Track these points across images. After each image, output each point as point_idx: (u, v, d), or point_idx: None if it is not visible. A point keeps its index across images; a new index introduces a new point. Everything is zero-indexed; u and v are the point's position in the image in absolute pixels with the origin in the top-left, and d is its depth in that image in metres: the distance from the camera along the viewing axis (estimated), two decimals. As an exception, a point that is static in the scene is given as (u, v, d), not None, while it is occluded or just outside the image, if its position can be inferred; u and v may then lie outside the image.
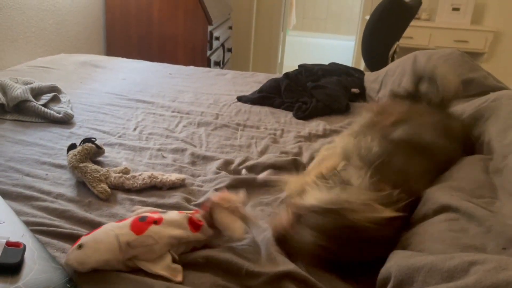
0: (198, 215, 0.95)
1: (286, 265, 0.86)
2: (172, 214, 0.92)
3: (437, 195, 0.97)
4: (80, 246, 0.81)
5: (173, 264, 0.86)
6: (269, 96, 2.03)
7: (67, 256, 0.81)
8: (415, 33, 4.09)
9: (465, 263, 0.67)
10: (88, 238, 0.83)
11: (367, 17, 3.12)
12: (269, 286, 0.83)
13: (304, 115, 1.85)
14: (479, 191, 0.97)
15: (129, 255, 0.83)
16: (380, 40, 2.97)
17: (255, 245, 0.96)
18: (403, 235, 0.95)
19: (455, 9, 4.19)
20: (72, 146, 1.26)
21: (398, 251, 0.87)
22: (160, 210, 0.98)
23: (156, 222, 0.88)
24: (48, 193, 1.10)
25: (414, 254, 0.79)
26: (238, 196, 0.97)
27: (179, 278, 0.83)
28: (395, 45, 2.97)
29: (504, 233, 0.77)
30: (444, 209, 0.91)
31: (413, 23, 3.12)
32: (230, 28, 3.91)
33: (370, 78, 2.19)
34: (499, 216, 0.83)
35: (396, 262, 0.79)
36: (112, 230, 0.84)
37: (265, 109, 1.93)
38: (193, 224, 0.92)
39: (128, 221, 0.87)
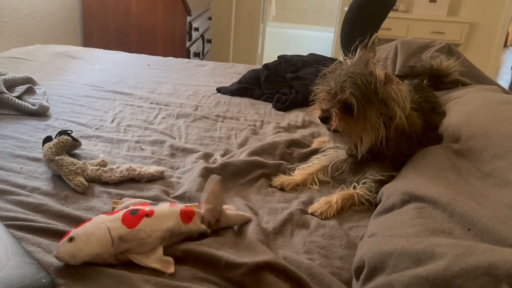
0: (198, 210, 0.95)
1: (265, 254, 0.86)
2: (163, 207, 0.92)
3: (404, 185, 0.99)
4: (71, 239, 0.80)
5: (164, 256, 0.85)
6: (249, 87, 2.02)
7: (57, 249, 0.79)
8: (393, 25, 4.13)
9: (432, 245, 0.69)
10: (79, 230, 0.82)
11: (346, 9, 3.13)
12: (249, 277, 0.83)
13: (284, 106, 1.85)
14: (443, 173, 1.00)
15: (121, 249, 0.83)
16: (358, 31, 2.98)
17: (235, 236, 0.97)
18: (369, 225, 0.98)
19: (432, 1, 4.24)
20: (48, 139, 1.24)
21: (369, 238, 0.89)
22: (150, 201, 0.97)
23: (148, 215, 0.87)
24: (23, 186, 1.08)
25: (386, 239, 0.81)
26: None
27: (171, 270, 0.83)
28: (374, 36, 2.99)
29: (465, 215, 0.80)
30: (411, 199, 0.94)
31: (391, 14, 3.15)
32: (210, 19, 3.88)
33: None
34: (462, 197, 0.85)
35: (369, 250, 0.80)
36: (103, 223, 0.83)
37: (245, 101, 1.93)
38: (185, 216, 0.91)
39: (119, 214, 0.86)
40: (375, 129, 1.14)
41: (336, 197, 1.13)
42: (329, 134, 1.22)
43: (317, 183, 1.25)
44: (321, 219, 1.08)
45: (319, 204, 1.12)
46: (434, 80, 1.59)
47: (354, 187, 1.19)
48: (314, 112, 1.24)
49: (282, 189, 1.21)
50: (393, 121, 1.13)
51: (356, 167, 1.24)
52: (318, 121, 1.21)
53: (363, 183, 1.18)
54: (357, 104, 1.11)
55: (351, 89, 1.12)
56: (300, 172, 1.27)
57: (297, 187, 1.23)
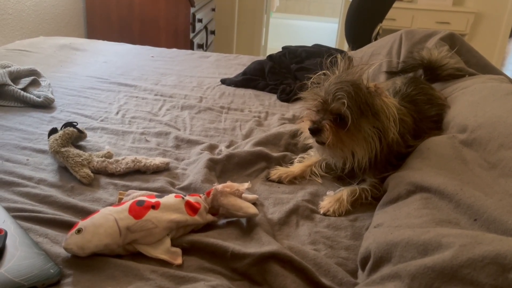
0: (198, 198, 0.96)
1: (271, 245, 0.87)
2: (169, 198, 0.93)
3: (409, 176, 0.99)
4: (79, 231, 0.80)
5: (172, 247, 0.86)
6: (253, 78, 2.01)
7: (66, 241, 0.80)
8: (397, 15, 4.09)
9: (439, 235, 0.69)
10: (86, 222, 0.83)
11: (351, -1, 3.11)
12: (255, 267, 0.84)
13: (288, 97, 1.85)
14: (449, 164, 1.00)
15: (129, 240, 0.84)
16: (363, 21, 2.96)
17: (241, 227, 0.97)
18: (375, 216, 0.98)
19: (438, -9, 4.20)
20: (53, 131, 1.24)
21: (374, 229, 0.89)
22: (155, 193, 0.98)
23: (154, 206, 0.88)
24: (30, 178, 1.09)
25: (392, 229, 0.81)
26: (241, 185, 1.00)
27: (178, 261, 0.84)
28: (378, 27, 2.97)
29: (472, 206, 0.80)
30: (417, 189, 0.93)
31: (395, 4, 3.12)
32: (213, 10, 3.86)
33: (355, 57, 2.18)
34: (468, 188, 0.85)
35: (375, 240, 0.81)
36: (111, 215, 0.84)
37: (249, 92, 1.93)
38: (191, 208, 0.92)
39: (126, 205, 0.87)
40: (368, 143, 1.08)
41: (344, 193, 1.11)
42: (318, 147, 1.15)
43: (319, 175, 1.23)
44: (335, 217, 1.06)
45: (329, 203, 1.09)
46: (430, 73, 1.57)
47: (359, 183, 1.16)
48: (303, 124, 1.16)
49: (280, 182, 1.20)
50: (386, 136, 1.08)
51: (351, 170, 1.19)
52: (307, 133, 1.13)
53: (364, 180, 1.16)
54: (351, 116, 1.05)
55: (345, 98, 1.05)
56: (298, 164, 1.26)
57: (295, 180, 1.21)
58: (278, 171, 1.22)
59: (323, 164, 1.25)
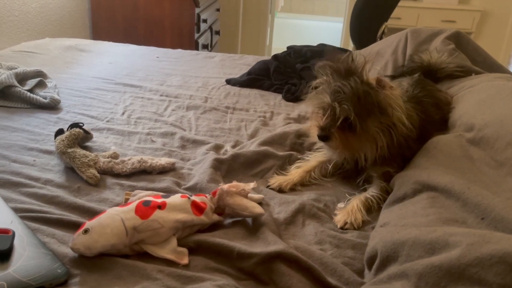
0: (204, 198, 0.96)
1: (277, 245, 0.87)
2: (175, 199, 0.93)
3: (416, 175, 0.99)
4: (86, 231, 0.81)
5: (178, 247, 0.86)
6: (258, 78, 2.01)
7: (73, 241, 0.81)
8: (403, 14, 4.08)
9: (446, 234, 0.68)
10: (93, 222, 0.83)
11: (356, -2, 3.10)
12: (261, 267, 0.84)
13: (294, 97, 1.85)
14: (456, 162, 0.99)
15: (136, 239, 0.84)
16: (368, 21, 2.95)
17: (247, 226, 0.97)
18: (381, 215, 0.98)
19: (443, -11, 4.18)
20: (60, 132, 1.25)
21: (381, 228, 0.88)
22: (161, 193, 0.98)
23: (160, 207, 0.88)
24: (36, 179, 1.09)
25: (398, 228, 0.81)
26: (246, 184, 1.00)
27: (185, 261, 0.84)
28: (383, 26, 2.96)
29: (479, 204, 0.79)
30: (424, 188, 0.93)
31: (401, 3, 3.11)
32: (218, 10, 3.86)
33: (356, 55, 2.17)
34: (475, 187, 0.85)
35: (382, 239, 0.80)
36: (117, 215, 0.84)
37: (254, 92, 1.93)
38: (197, 208, 0.92)
39: (132, 205, 0.87)
40: (375, 141, 1.09)
41: (356, 203, 1.07)
42: (329, 149, 1.18)
43: (318, 180, 1.21)
44: (355, 229, 1.02)
45: (343, 216, 1.04)
46: (428, 75, 1.55)
47: (365, 189, 1.14)
48: (311, 129, 1.17)
49: (281, 191, 1.16)
50: (395, 128, 1.08)
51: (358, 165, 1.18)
52: (316, 139, 1.15)
53: (369, 182, 1.15)
54: (358, 121, 1.06)
55: (350, 105, 1.05)
56: (296, 170, 1.22)
57: (296, 187, 1.18)
58: (277, 180, 1.19)
59: (323, 167, 1.24)
